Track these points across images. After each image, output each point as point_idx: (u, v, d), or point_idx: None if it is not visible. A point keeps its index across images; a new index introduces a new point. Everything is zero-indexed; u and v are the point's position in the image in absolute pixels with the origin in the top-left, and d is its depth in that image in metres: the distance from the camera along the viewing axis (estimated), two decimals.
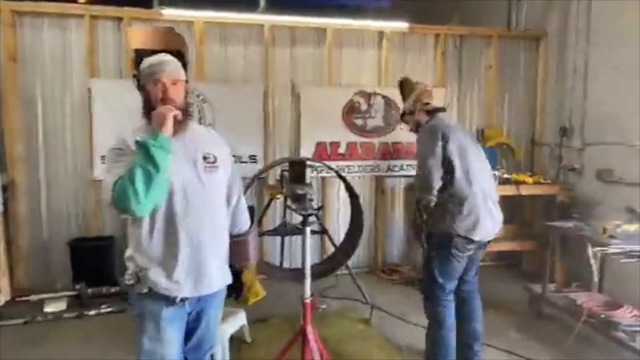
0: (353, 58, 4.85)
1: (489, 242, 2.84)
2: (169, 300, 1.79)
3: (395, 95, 4.87)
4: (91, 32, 4.23)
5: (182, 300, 1.81)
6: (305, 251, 2.56)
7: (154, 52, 1.89)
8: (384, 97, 4.85)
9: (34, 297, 4.00)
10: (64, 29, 4.22)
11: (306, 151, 4.71)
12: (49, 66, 4.21)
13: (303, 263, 2.58)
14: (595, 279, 3.05)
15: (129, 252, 1.83)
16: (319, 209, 2.54)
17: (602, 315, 3.17)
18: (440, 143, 2.73)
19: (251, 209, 1.98)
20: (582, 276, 4.23)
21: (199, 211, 1.80)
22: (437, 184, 2.72)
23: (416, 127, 3.03)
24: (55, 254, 4.30)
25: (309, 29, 4.71)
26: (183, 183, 1.77)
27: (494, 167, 4.56)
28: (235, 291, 2.16)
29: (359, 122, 4.82)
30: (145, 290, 1.77)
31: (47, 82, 4.23)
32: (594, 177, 4.43)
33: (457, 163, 2.71)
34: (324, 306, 3.19)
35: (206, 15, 4.44)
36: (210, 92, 4.45)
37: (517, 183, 4.46)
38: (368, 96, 4.82)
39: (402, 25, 4.85)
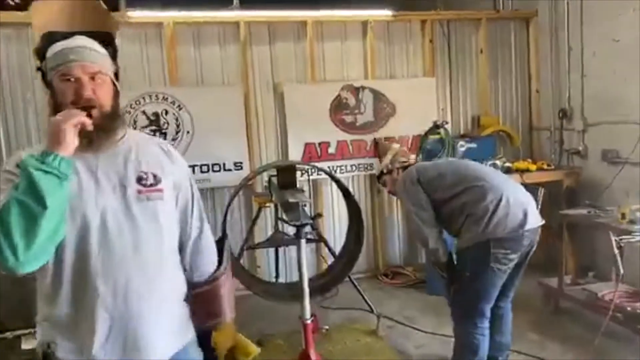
0: (337, 51, 4.57)
1: (529, 241, 2.45)
2: None
3: (385, 87, 4.65)
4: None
5: None
6: (301, 266, 2.28)
7: (69, 35, 1.33)
8: (372, 90, 4.57)
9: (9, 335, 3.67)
10: (19, 38, 3.87)
11: (294, 153, 4.41)
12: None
13: (300, 280, 2.30)
14: (621, 269, 2.78)
15: (38, 315, 1.33)
16: (314, 217, 2.26)
17: (628, 308, 2.92)
18: (419, 187, 2.56)
19: (219, 242, 1.54)
20: (596, 265, 4.01)
21: (127, 257, 1.25)
22: (432, 231, 2.51)
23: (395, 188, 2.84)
24: None
25: (287, 23, 4.41)
26: (101, 217, 1.24)
27: (493, 157, 4.35)
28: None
29: (348, 118, 4.54)
30: None
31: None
32: (599, 159, 4.20)
33: (449, 179, 2.54)
34: (326, 327, 2.89)
35: (177, 15, 4.13)
36: (186, 97, 4.13)
37: (520, 171, 4.21)
38: (356, 90, 4.54)
39: (386, 13, 4.57)
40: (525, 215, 2.37)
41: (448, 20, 4.82)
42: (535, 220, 2.41)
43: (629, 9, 3.80)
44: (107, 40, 1.35)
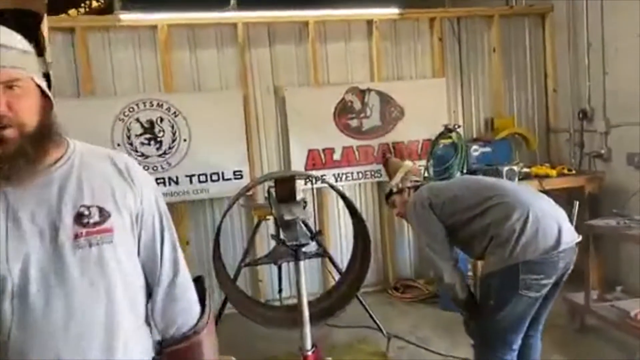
0: (340, 52, 4.32)
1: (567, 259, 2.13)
2: None
3: (392, 89, 4.39)
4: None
5: None
6: (300, 291, 2.03)
7: None
8: (379, 93, 4.32)
9: None
10: None
11: (297, 160, 4.17)
12: None
13: (299, 306, 2.05)
14: None
15: None
16: (314, 236, 2.02)
17: None
18: (430, 212, 2.29)
19: (199, 283, 1.21)
20: (623, 279, 3.72)
21: (57, 334, 0.92)
22: (447, 264, 2.24)
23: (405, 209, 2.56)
24: None
25: (288, 23, 4.18)
26: (21, 277, 0.91)
27: (509, 161, 4.07)
28: None
29: (353, 123, 4.29)
30: None
31: None
32: (624, 163, 3.90)
33: (466, 201, 2.27)
34: (329, 359, 2.63)
35: (171, 17, 3.92)
36: (182, 104, 3.92)
37: (539, 177, 3.92)
38: (361, 93, 4.29)
39: (392, 11, 4.32)
40: (559, 233, 2.08)
41: (458, 17, 4.56)
42: (570, 238, 2.11)
43: None
44: (31, 27, 1.02)
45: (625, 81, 3.86)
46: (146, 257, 1.08)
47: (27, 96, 0.95)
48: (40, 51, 1.01)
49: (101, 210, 0.99)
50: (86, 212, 0.97)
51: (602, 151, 4.09)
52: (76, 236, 0.95)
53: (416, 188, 2.51)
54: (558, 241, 2.05)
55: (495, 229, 2.10)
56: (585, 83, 4.24)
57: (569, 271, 2.16)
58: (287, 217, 1.99)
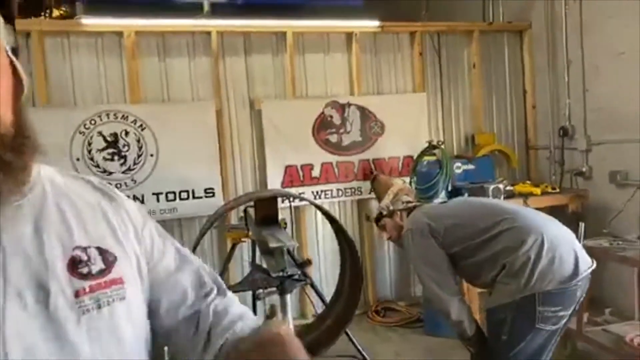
0: (319, 64, 4.15)
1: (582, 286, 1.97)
2: None
3: (372, 104, 4.23)
4: None
5: None
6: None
7: None
8: (359, 107, 4.15)
9: None
10: None
11: (273, 177, 3.93)
12: None
13: None
14: None
15: None
16: (302, 265, 1.77)
17: None
18: (431, 241, 2.07)
19: None
20: (610, 301, 3.63)
21: None
22: (453, 300, 2.03)
23: (398, 233, 2.35)
24: None
25: (265, 33, 3.98)
26: None
27: (493, 179, 3.97)
28: None
29: (333, 138, 4.10)
30: None
31: None
32: (606, 181, 3.86)
33: (470, 227, 2.07)
34: None
35: (138, 23, 3.64)
36: (149, 116, 3.63)
37: (523, 195, 3.82)
38: (341, 108, 4.11)
39: (372, 23, 4.19)
40: (576, 260, 1.92)
41: (439, 32, 4.47)
42: (587, 265, 1.96)
43: (635, 19, 3.51)
44: None
45: (606, 99, 3.84)
46: (169, 305, 0.79)
47: (2, 75, 0.63)
48: (10, 17, 0.67)
49: (103, 252, 0.69)
50: (84, 257, 0.66)
51: (584, 169, 4.04)
52: (77, 294, 0.64)
53: (409, 210, 2.31)
54: (576, 269, 1.89)
55: (508, 257, 1.92)
56: (565, 100, 4.21)
57: (583, 298, 2.00)
58: (273, 245, 1.75)
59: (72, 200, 0.72)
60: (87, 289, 0.65)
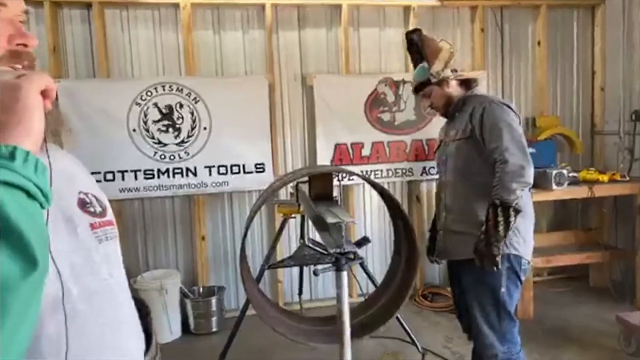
0: (374, 40, 4.01)
1: None
2: None
3: None
4: (53, 24, 3.44)
5: None
6: (342, 307, 1.75)
7: None
8: None
9: None
10: None
11: (323, 155, 3.88)
12: None
13: (339, 321, 1.77)
14: None
15: None
16: (361, 242, 1.70)
17: None
18: (518, 121, 2.07)
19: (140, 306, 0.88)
20: None
21: (105, 344, 0.74)
22: (530, 167, 1.99)
23: (445, 106, 2.23)
24: None
25: (319, 6, 3.87)
26: (70, 275, 0.69)
27: (556, 165, 3.75)
28: None
29: (385, 117, 3.98)
30: None
31: None
32: None
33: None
34: None
35: None
36: (203, 89, 3.64)
37: (588, 182, 3.59)
38: (395, 85, 3.98)
39: None
40: None
41: (502, 6, 4.22)
42: None
43: None
44: None
45: None
46: None
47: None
48: None
49: (97, 199, 0.80)
50: (87, 200, 0.77)
51: None
52: (92, 227, 0.76)
53: (466, 83, 2.21)
54: None
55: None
56: (639, 83, 3.89)
57: None
58: (331, 220, 1.70)
59: (61, 154, 0.80)
60: (97, 224, 0.77)
